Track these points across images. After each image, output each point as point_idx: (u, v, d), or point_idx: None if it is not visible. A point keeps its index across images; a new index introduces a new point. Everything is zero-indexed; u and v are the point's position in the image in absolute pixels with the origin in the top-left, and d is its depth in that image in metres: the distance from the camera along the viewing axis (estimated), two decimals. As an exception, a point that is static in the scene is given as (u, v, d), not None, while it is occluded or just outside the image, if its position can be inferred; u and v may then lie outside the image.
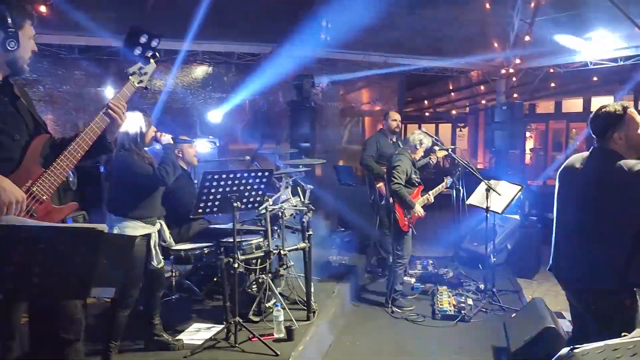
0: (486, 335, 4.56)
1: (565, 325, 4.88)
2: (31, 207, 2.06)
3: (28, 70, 2.20)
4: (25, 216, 2.02)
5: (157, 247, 3.58)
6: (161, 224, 3.67)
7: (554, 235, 2.94)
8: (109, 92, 8.29)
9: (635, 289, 2.61)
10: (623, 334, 1.58)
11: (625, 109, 2.62)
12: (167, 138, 3.65)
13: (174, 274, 4.56)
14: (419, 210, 5.14)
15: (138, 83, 2.50)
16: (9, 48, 2.04)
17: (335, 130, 10.24)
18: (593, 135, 2.76)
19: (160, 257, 3.61)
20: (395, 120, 6.45)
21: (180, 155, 4.52)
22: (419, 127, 14.12)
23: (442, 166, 13.56)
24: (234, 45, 7.71)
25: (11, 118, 2.13)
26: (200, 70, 8.34)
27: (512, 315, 4.48)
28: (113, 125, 2.35)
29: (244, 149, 9.80)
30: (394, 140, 6.46)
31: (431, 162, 6.08)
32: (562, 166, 2.92)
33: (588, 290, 2.71)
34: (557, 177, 2.94)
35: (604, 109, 2.67)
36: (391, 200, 5.15)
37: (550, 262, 2.96)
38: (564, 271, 2.88)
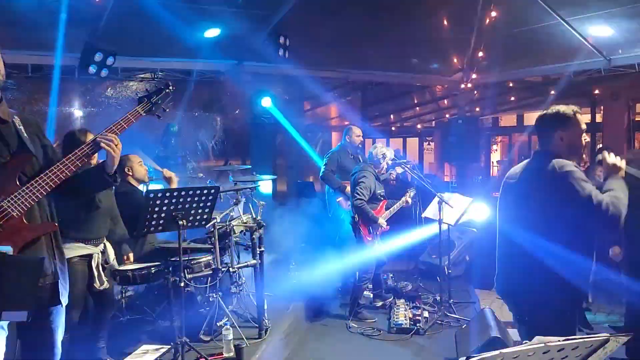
0: (439, 347, 4.59)
1: (516, 335, 4.95)
2: None
3: None
4: None
5: (101, 268, 3.52)
6: (105, 245, 3.61)
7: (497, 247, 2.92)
8: (76, 112, 8.25)
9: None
10: (525, 342, 1.61)
11: (574, 112, 2.62)
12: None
13: (124, 295, 4.47)
14: (382, 223, 5.21)
15: (146, 112, 2.47)
16: None
17: (298, 146, 10.27)
18: (537, 136, 2.76)
19: (104, 278, 3.54)
20: (359, 136, 6.51)
21: (130, 173, 4.47)
22: (387, 142, 14.27)
23: (402, 180, 13.70)
24: (194, 62, 7.70)
25: None
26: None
27: (463, 327, 4.52)
28: (107, 157, 2.30)
29: (213, 165, 9.78)
30: (353, 155, 6.51)
31: (391, 176, 6.15)
32: (505, 177, 2.90)
33: (524, 302, 2.70)
34: (501, 189, 2.92)
35: (554, 109, 2.65)
36: (356, 217, 5.20)
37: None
38: (501, 284, 2.87)
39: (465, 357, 1.48)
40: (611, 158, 2.59)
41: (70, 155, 2.23)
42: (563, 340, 1.62)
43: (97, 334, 3.66)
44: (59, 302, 2.27)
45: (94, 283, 3.47)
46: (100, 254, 3.55)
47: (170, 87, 2.60)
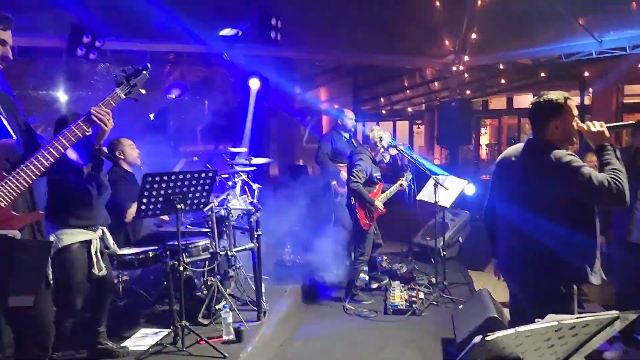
0: (436, 327, 4.64)
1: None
2: None
3: None
4: None
5: (100, 254, 3.49)
6: (103, 231, 3.57)
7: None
8: (61, 95, 8.08)
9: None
10: (536, 319, 1.63)
11: (566, 99, 2.64)
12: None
13: (121, 280, 4.45)
14: (379, 206, 5.22)
15: (126, 94, 2.44)
16: None
17: (292, 129, 10.22)
18: (531, 124, 2.78)
19: (103, 264, 3.51)
20: (352, 119, 6.48)
21: (122, 157, 4.41)
22: (377, 125, 14.24)
23: (398, 164, 13.75)
24: (183, 45, 7.58)
25: None
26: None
27: (460, 307, 4.57)
28: (99, 131, 2.33)
29: (200, 150, 9.69)
30: (348, 137, 6.49)
31: (384, 159, 6.15)
32: (499, 158, 2.96)
33: (523, 280, 2.77)
34: (494, 169, 2.99)
35: (546, 96, 2.67)
36: (353, 200, 5.20)
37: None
38: (502, 262, 2.95)
39: (481, 336, 1.49)
40: (595, 126, 2.60)
41: (59, 137, 2.18)
42: (575, 319, 1.64)
43: (97, 319, 3.64)
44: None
45: (93, 269, 3.44)
46: (99, 239, 3.51)
47: (149, 69, 2.56)
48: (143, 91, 2.54)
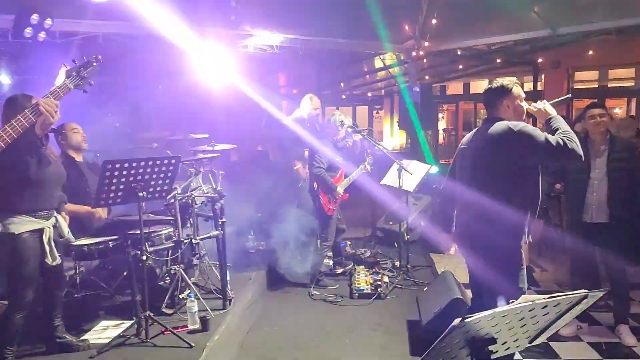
0: (401, 310, 4.71)
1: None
2: None
3: None
4: None
5: (53, 243, 3.33)
6: (57, 218, 3.40)
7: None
8: (3, 78, 7.64)
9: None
10: (511, 300, 1.65)
11: (514, 83, 3.04)
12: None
13: (77, 271, 4.29)
14: (340, 191, 5.23)
15: (75, 86, 2.33)
16: None
17: (252, 115, 10.04)
18: (485, 106, 3.13)
19: (56, 253, 3.35)
20: (318, 108, 6.41)
21: (64, 142, 4.23)
22: (337, 109, 14.23)
23: (359, 148, 13.81)
24: (138, 26, 7.29)
25: None
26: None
27: (424, 290, 4.64)
28: (44, 122, 2.32)
29: (156, 136, 9.40)
30: (310, 123, 6.44)
31: (346, 143, 6.14)
32: (460, 144, 3.27)
33: (478, 243, 3.02)
34: (456, 154, 3.31)
35: (497, 83, 3.08)
36: (316, 186, 5.18)
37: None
38: (459, 234, 3.22)
39: (459, 319, 1.50)
40: (538, 105, 3.02)
41: (5, 126, 2.09)
42: (547, 298, 1.68)
43: (52, 312, 3.49)
44: None
45: (46, 259, 3.27)
46: (51, 227, 3.33)
47: (99, 60, 2.48)
48: (92, 82, 2.46)
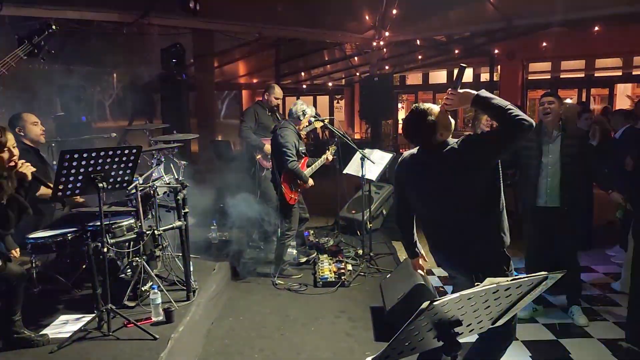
0: (364, 297, 4.78)
1: (435, 281, 5.28)
2: None
3: None
4: None
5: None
6: None
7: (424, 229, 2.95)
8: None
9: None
10: (476, 284, 1.71)
11: (427, 111, 2.67)
12: (25, 173, 3.17)
13: (34, 265, 4.15)
14: (311, 183, 5.24)
15: (27, 54, 2.19)
16: None
17: (211, 104, 9.92)
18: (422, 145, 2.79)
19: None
20: (279, 98, 6.38)
21: (22, 133, 4.08)
22: (297, 99, 14.20)
23: (321, 137, 13.86)
24: (93, 12, 7.06)
25: None
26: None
27: (387, 276, 4.72)
28: None
29: (113, 126, 9.15)
30: (271, 112, 6.41)
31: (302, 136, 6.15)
32: (400, 164, 2.97)
33: (480, 268, 2.65)
34: (399, 174, 2.97)
35: (421, 123, 2.67)
36: (277, 175, 5.15)
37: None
38: (441, 257, 2.95)
39: (428, 302, 1.54)
40: (448, 98, 2.65)
41: None
42: (510, 281, 1.74)
43: (10, 308, 3.37)
44: None
45: None
46: None
47: (53, 27, 2.37)
48: (51, 50, 2.34)
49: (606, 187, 4.34)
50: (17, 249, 3.86)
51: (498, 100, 2.53)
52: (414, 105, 2.77)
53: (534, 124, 2.47)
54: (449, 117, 2.73)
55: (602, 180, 4.41)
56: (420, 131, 2.72)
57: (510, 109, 2.45)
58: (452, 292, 3.06)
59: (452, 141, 2.70)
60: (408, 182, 2.92)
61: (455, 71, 2.75)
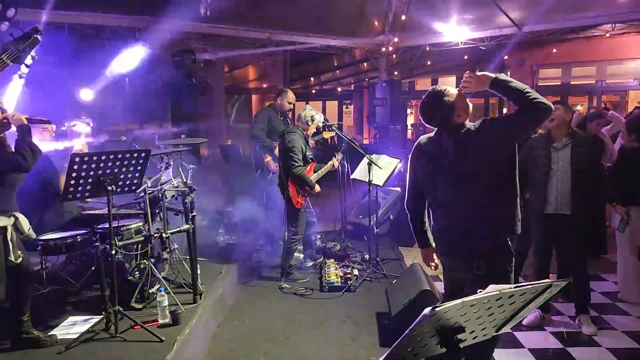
0: (370, 302, 4.78)
1: (441, 288, 5.26)
2: None
3: None
4: None
5: (15, 241, 3.27)
6: (16, 217, 3.34)
7: (430, 214, 2.99)
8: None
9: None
10: (479, 290, 1.71)
11: (443, 92, 2.72)
12: (19, 118, 3.27)
13: (44, 266, 4.20)
14: (318, 189, 5.24)
15: (13, 60, 2.22)
16: None
17: (221, 109, 9.98)
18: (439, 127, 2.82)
19: (19, 251, 3.30)
20: (292, 103, 6.42)
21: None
22: (307, 104, 14.24)
23: (329, 143, 13.87)
24: (105, 17, 7.14)
25: None
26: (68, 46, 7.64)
27: (393, 282, 4.72)
28: None
29: (123, 130, 9.22)
30: (283, 116, 6.45)
31: (311, 143, 6.17)
32: (416, 146, 2.97)
33: (483, 254, 2.71)
34: (413, 156, 2.98)
35: (437, 101, 2.71)
36: (284, 179, 5.17)
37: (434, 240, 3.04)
38: (443, 243, 2.95)
39: (431, 307, 1.55)
40: (477, 73, 2.66)
41: None
42: (514, 288, 1.74)
43: (19, 308, 3.42)
44: None
45: (9, 257, 3.22)
46: (11, 227, 3.27)
47: (39, 33, 2.40)
48: (35, 56, 2.36)
49: (610, 200, 4.32)
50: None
51: (516, 83, 2.54)
52: (431, 87, 2.80)
53: (553, 107, 2.48)
54: (467, 100, 2.75)
55: (607, 193, 4.38)
56: (438, 112, 2.73)
57: (528, 92, 2.48)
58: (445, 286, 3.14)
59: (470, 124, 2.71)
60: (422, 163, 2.91)
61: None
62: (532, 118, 2.53)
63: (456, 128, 2.73)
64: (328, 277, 5.22)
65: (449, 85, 2.81)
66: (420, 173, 2.95)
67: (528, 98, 2.46)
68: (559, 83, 12.63)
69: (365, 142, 14.91)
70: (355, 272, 5.40)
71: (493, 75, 2.61)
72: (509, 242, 2.76)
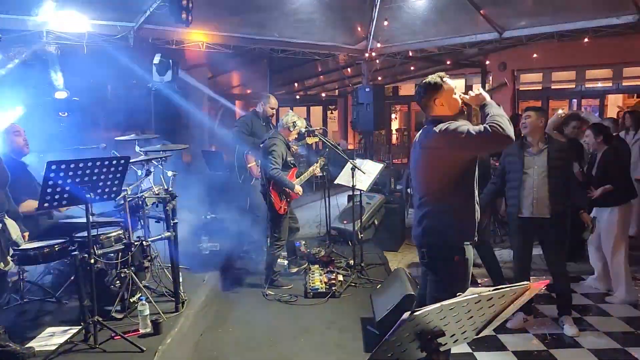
0: (355, 308, 4.76)
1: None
2: None
3: None
4: None
5: (2, 247, 3.20)
6: (4, 222, 3.27)
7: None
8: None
9: (465, 244, 2.88)
10: (458, 294, 1.70)
11: (441, 77, 2.91)
12: None
13: (21, 277, 4.11)
14: (298, 190, 5.21)
15: None
16: None
17: (204, 115, 9.92)
18: (421, 108, 3.01)
19: (8, 258, 3.23)
20: (274, 108, 6.41)
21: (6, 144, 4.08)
22: (291, 109, 14.22)
23: (312, 148, 13.85)
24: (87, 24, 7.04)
25: None
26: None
27: (378, 287, 4.71)
28: None
29: (105, 136, 9.10)
30: (265, 122, 6.43)
31: (293, 149, 6.15)
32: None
33: (425, 245, 2.97)
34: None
35: (424, 81, 2.93)
36: (267, 185, 5.14)
37: None
38: (413, 231, 3.12)
39: (409, 312, 1.54)
40: (473, 92, 2.89)
41: None
42: (492, 291, 1.74)
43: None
44: None
45: None
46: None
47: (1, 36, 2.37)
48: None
49: (578, 207, 4.40)
50: (27, 233, 3.85)
51: (495, 110, 2.73)
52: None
53: (512, 138, 2.64)
54: (459, 98, 2.89)
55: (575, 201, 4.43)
56: (425, 91, 2.90)
57: (495, 118, 2.65)
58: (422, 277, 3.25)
59: (444, 124, 2.78)
60: (411, 149, 3.15)
61: (496, 84, 2.99)
62: (489, 144, 2.75)
63: (431, 120, 2.90)
64: (312, 283, 5.19)
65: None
66: (409, 164, 3.25)
67: (490, 126, 2.62)
68: (540, 87, 12.79)
69: (350, 147, 14.94)
70: (340, 277, 5.37)
71: (489, 100, 2.82)
72: (454, 238, 2.87)
